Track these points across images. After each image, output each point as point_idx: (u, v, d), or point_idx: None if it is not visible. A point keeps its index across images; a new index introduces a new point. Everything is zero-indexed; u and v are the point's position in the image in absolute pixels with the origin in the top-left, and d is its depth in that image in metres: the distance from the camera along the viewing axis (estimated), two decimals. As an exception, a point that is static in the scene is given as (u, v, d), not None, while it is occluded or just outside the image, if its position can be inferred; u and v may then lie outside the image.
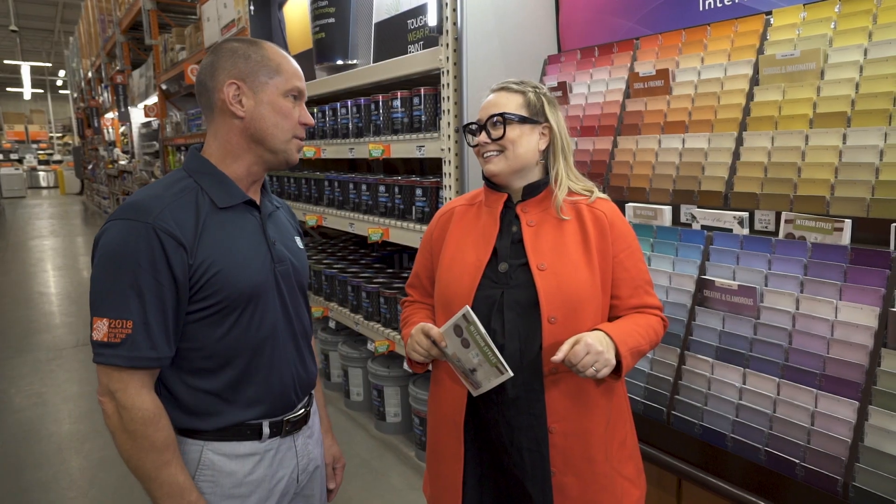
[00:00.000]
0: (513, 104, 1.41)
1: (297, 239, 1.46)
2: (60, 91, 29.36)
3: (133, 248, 1.12)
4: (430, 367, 1.53)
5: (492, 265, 1.40)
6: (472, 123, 1.47)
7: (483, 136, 1.42)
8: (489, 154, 1.42)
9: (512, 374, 1.27)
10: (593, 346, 1.23)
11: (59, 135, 29.89)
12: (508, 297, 1.36)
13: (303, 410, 1.38)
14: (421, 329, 1.37)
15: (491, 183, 1.48)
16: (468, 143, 1.48)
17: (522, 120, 1.40)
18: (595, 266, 1.38)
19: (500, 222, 1.44)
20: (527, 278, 1.36)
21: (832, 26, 1.72)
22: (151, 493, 1.17)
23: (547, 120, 1.43)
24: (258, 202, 1.33)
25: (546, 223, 1.41)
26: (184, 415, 1.23)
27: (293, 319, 1.35)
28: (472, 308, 1.33)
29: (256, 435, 1.28)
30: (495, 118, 1.40)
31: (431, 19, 2.45)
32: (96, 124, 13.55)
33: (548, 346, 1.33)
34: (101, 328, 1.12)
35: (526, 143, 1.41)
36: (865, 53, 1.63)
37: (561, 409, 1.35)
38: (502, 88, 1.45)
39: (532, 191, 1.44)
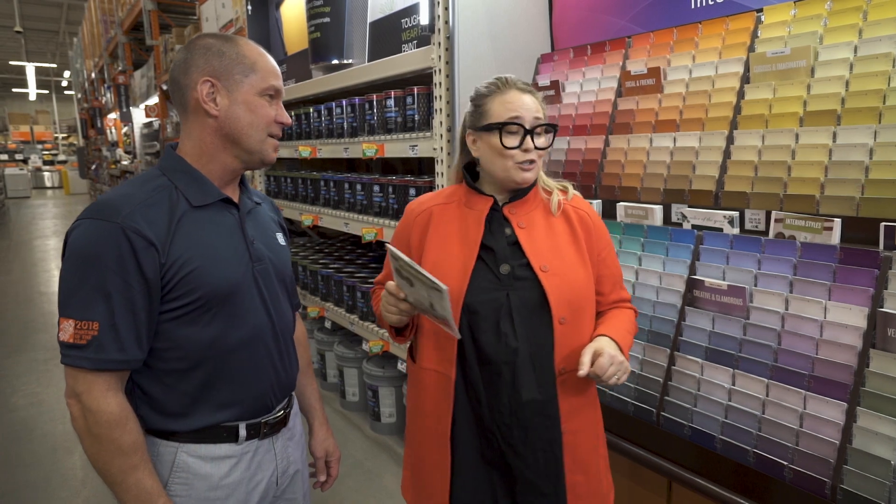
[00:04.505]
0: (542, 111, 1.39)
1: (279, 235, 1.42)
2: (65, 92, 29.49)
3: (100, 249, 1.10)
4: (410, 342, 1.50)
5: (489, 267, 1.37)
6: (511, 123, 1.34)
7: (529, 144, 1.35)
8: (530, 163, 1.36)
9: (445, 287, 1.17)
10: (616, 357, 1.28)
11: (65, 135, 30.02)
12: (515, 299, 1.34)
13: (281, 412, 1.36)
14: (386, 288, 1.34)
15: (474, 185, 1.45)
16: (503, 145, 1.34)
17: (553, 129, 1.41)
18: (588, 265, 1.42)
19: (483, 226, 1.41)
20: (531, 280, 1.35)
21: (823, 24, 1.70)
22: (119, 496, 1.15)
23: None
24: (237, 200, 1.30)
25: (535, 224, 1.41)
26: (158, 415, 1.20)
27: (274, 320, 1.31)
28: (478, 314, 1.33)
29: (233, 437, 1.26)
30: (543, 127, 1.37)
31: (424, 18, 2.43)
32: (99, 125, 13.58)
33: (559, 346, 1.35)
34: (68, 329, 1.10)
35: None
36: (855, 51, 1.61)
37: (570, 409, 1.38)
38: (530, 91, 1.39)
39: (520, 192, 1.43)
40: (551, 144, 1.40)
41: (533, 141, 1.35)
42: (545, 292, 1.33)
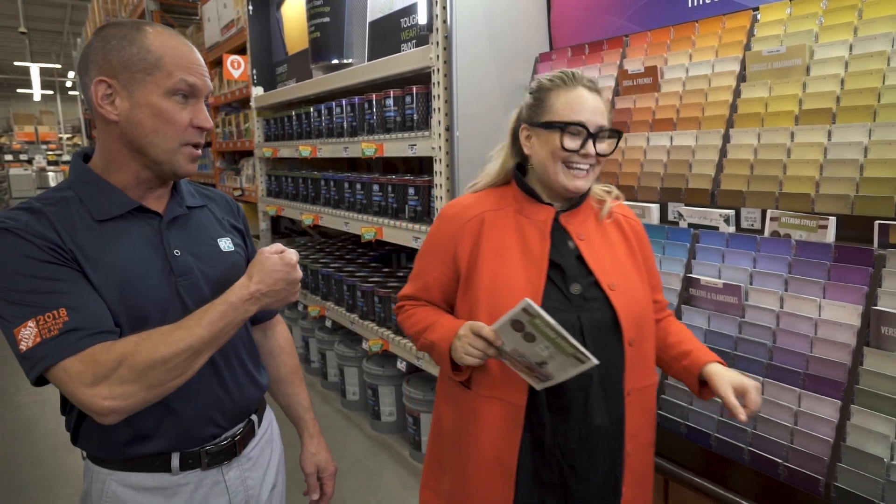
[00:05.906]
0: (607, 114, 1.30)
1: (224, 241, 1.24)
2: (69, 92, 29.60)
3: (14, 250, 0.99)
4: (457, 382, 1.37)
5: (556, 286, 1.29)
6: (573, 124, 1.25)
7: (590, 148, 1.26)
8: (584, 168, 1.28)
9: (597, 361, 1.11)
10: (757, 385, 1.25)
11: (69, 136, 30.11)
12: (586, 320, 1.27)
13: (228, 441, 1.21)
14: (471, 329, 1.21)
15: (528, 189, 1.35)
16: (562, 147, 1.26)
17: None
18: (645, 279, 1.38)
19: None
20: (601, 300, 1.29)
21: (818, 22, 1.70)
22: (204, 341, 1.04)
23: None
24: (162, 207, 1.16)
25: (591, 235, 1.34)
26: (90, 439, 1.13)
27: None
28: None
29: (165, 467, 1.14)
30: (608, 133, 1.28)
31: (423, 18, 2.44)
32: (103, 125, 13.62)
33: (629, 368, 1.30)
34: (28, 333, 0.96)
35: None
36: (851, 49, 1.61)
37: (635, 429, 1.34)
38: (597, 91, 1.29)
39: (577, 200, 1.36)
40: (613, 151, 1.31)
41: (595, 146, 1.26)
42: (616, 313, 1.28)
